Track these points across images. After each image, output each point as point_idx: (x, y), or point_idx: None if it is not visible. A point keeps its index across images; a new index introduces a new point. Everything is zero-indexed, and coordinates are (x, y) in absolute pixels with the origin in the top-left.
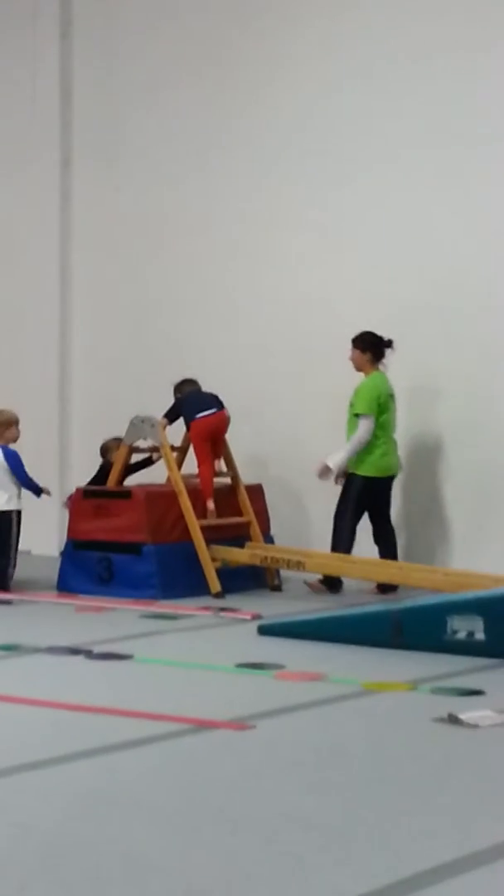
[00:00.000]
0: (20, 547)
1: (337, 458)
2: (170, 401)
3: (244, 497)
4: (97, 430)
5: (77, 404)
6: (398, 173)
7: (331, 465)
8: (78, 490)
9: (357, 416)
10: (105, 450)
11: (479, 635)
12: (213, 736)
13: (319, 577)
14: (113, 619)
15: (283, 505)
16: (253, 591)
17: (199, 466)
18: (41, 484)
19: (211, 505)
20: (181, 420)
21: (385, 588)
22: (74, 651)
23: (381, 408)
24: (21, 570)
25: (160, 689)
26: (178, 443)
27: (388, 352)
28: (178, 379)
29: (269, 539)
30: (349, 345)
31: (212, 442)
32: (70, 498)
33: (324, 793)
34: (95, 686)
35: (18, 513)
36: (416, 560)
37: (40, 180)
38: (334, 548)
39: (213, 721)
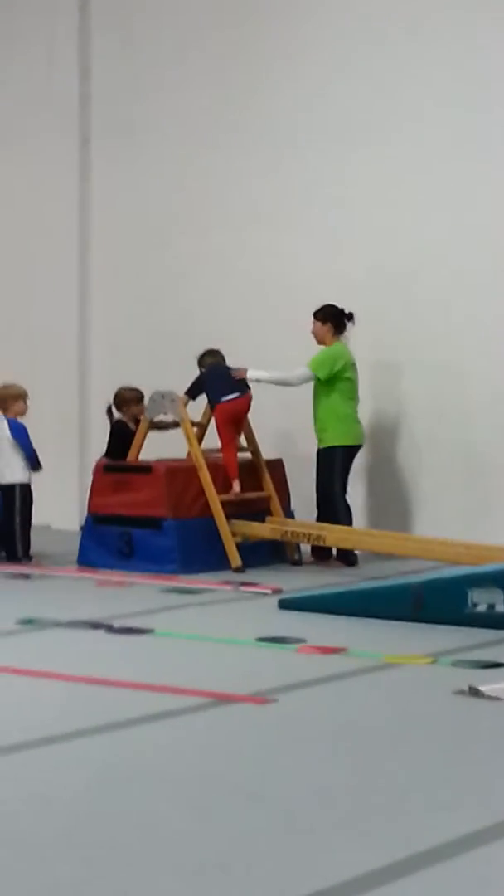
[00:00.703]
0: (35, 521)
1: (257, 374)
2: (189, 374)
3: (264, 472)
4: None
5: (96, 379)
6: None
7: (249, 374)
8: (98, 463)
9: (311, 373)
10: (120, 401)
11: (500, 608)
12: (233, 710)
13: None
14: (133, 593)
15: (304, 479)
16: (273, 565)
17: (223, 450)
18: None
19: (237, 487)
20: (201, 394)
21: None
22: (95, 625)
23: (338, 374)
24: (41, 545)
25: (181, 663)
26: (197, 418)
27: (349, 325)
28: (200, 351)
29: (289, 513)
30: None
31: (235, 422)
32: (97, 466)
33: (344, 766)
34: (116, 660)
35: (24, 486)
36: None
37: (59, 157)
38: (336, 523)
39: (233, 695)
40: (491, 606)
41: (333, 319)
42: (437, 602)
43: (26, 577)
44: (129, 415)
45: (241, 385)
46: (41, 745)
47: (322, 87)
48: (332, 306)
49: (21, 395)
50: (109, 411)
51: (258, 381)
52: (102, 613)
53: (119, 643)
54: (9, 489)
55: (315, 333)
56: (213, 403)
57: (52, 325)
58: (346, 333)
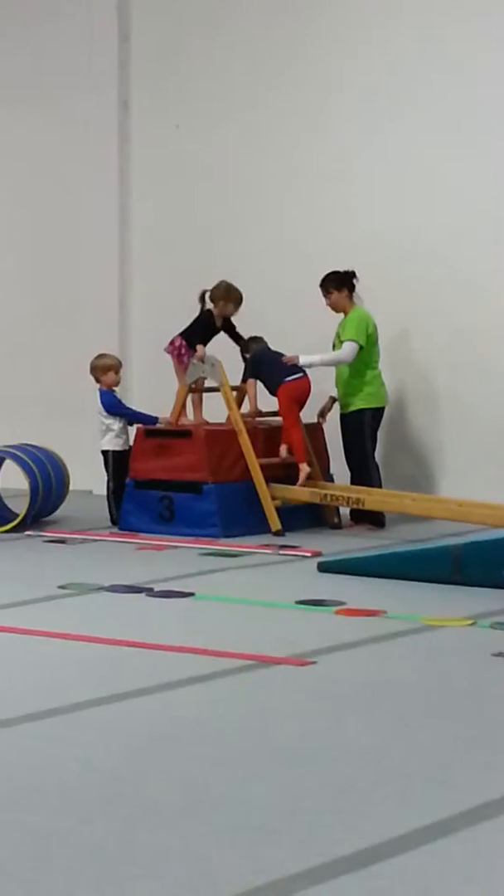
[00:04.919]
0: (77, 486)
1: (309, 359)
2: (227, 342)
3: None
4: (156, 369)
5: (136, 343)
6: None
7: (302, 360)
8: (139, 429)
9: (357, 345)
10: (218, 295)
11: None
12: (274, 672)
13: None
14: (174, 557)
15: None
16: (313, 529)
17: (289, 430)
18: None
19: (307, 468)
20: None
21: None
22: (136, 589)
23: (370, 338)
24: (82, 509)
25: (221, 626)
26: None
27: (356, 283)
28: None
29: (328, 477)
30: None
31: (299, 403)
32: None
33: (384, 727)
34: (157, 623)
35: (115, 453)
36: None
37: (98, 121)
38: (369, 486)
39: (274, 657)
40: None
41: (345, 284)
42: (476, 565)
43: (67, 542)
44: (218, 310)
45: (298, 368)
46: (84, 707)
47: (360, 50)
48: (336, 272)
49: (112, 367)
50: (202, 298)
51: (311, 365)
52: (143, 577)
53: (159, 607)
54: (104, 455)
55: (333, 305)
56: (275, 385)
57: (93, 288)
58: (357, 293)
